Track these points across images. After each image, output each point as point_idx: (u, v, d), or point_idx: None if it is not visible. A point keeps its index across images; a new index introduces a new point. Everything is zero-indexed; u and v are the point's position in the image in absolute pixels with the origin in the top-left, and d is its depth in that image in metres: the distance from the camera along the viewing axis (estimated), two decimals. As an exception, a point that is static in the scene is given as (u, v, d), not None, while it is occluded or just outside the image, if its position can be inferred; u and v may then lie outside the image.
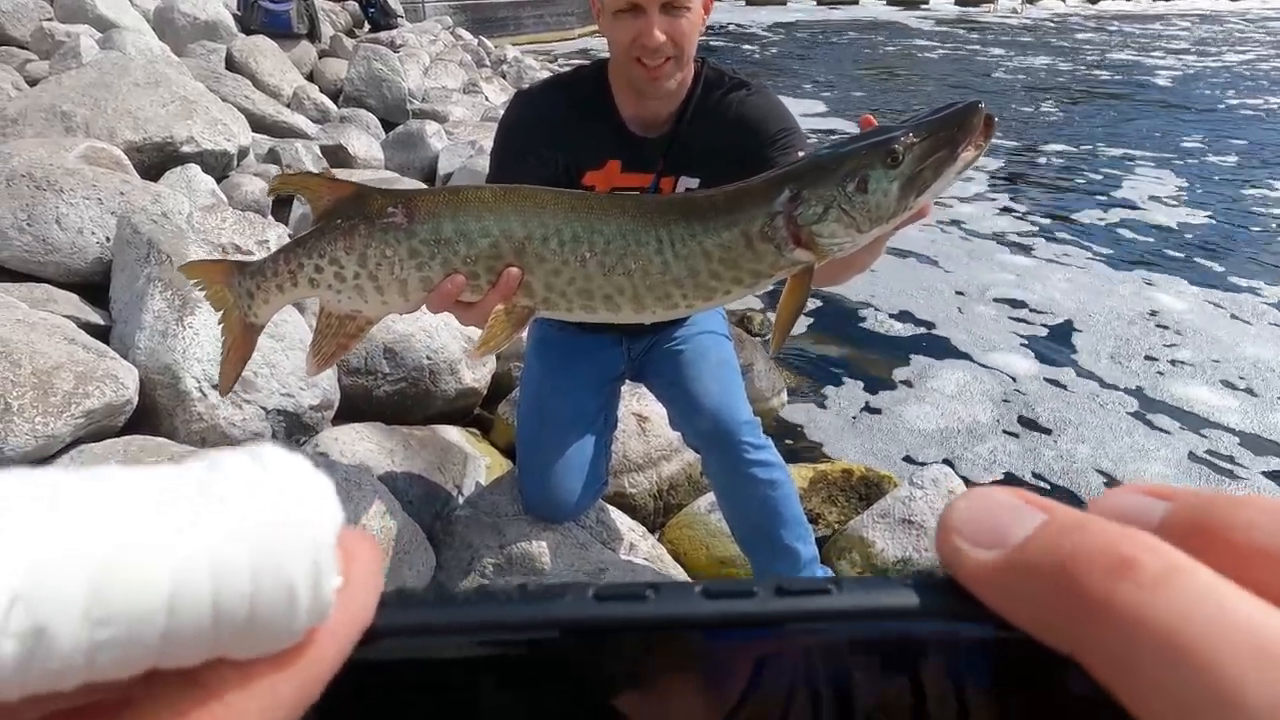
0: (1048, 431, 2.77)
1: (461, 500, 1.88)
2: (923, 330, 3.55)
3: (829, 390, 3.05)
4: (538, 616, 0.18)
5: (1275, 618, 0.14)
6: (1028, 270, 4.21)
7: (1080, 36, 17.17)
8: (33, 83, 3.41)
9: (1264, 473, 2.57)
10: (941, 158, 0.89)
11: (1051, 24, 20.42)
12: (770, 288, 1.07)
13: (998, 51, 14.39)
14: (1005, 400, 2.97)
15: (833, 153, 0.94)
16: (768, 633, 0.18)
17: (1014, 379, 3.10)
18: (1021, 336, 3.45)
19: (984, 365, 3.23)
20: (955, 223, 4.85)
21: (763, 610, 0.18)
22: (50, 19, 4.12)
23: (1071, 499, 2.35)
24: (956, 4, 26.78)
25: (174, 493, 0.15)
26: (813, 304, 3.82)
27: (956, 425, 2.80)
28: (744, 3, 25.59)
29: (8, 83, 3.28)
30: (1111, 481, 2.46)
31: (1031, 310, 3.71)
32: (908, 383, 3.10)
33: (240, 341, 1.08)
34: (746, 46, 15.17)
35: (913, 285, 3.99)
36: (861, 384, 3.09)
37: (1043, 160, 6.51)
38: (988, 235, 4.69)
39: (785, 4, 25.64)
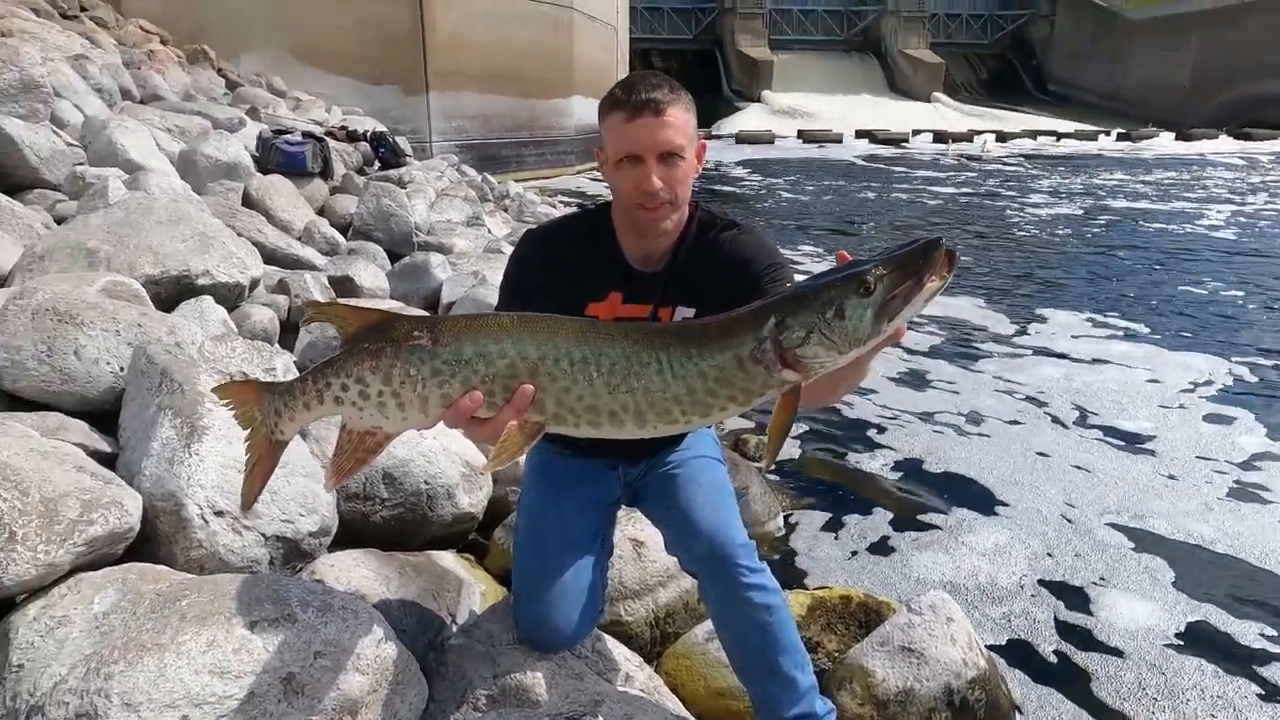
0: (1115, 655, 2.28)
1: (455, 628, 1.85)
2: (986, 502, 3.12)
3: (846, 520, 2.96)
4: None
5: None
6: (1211, 511, 3.12)
7: (1095, 181, 16.65)
8: (60, 221, 3.60)
9: None
10: (909, 287, 1.02)
11: (1033, 164, 20.80)
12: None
13: (1032, 200, 13.59)
14: (1055, 588, 2.53)
15: (812, 284, 1.07)
16: None
17: (1109, 620, 2.44)
18: (1160, 575, 2.70)
19: (1055, 558, 2.73)
20: (1128, 439, 3.89)
21: None
22: (83, 163, 4.38)
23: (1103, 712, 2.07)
24: (935, 141, 28.54)
25: None
26: (858, 436, 3.73)
27: (970, 582, 2.62)
28: (734, 141, 27.26)
29: (38, 222, 3.47)
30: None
31: (1203, 561, 2.80)
32: (936, 526, 2.92)
33: (265, 458, 1.16)
34: (727, 188, 15.61)
35: (1005, 471, 3.45)
36: (878, 519, 2.98)
37: (1259, 373, 4.89)
38: (1178, 466, 3.58)
39: (773, 143, 27.28)
